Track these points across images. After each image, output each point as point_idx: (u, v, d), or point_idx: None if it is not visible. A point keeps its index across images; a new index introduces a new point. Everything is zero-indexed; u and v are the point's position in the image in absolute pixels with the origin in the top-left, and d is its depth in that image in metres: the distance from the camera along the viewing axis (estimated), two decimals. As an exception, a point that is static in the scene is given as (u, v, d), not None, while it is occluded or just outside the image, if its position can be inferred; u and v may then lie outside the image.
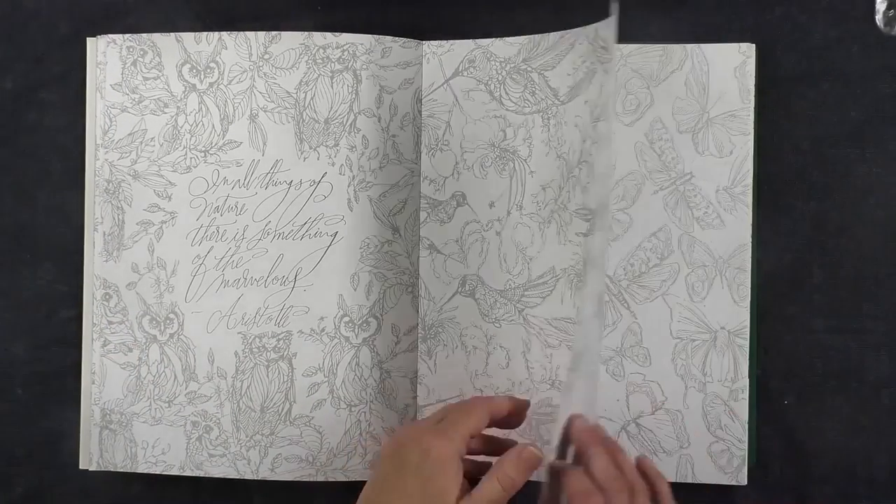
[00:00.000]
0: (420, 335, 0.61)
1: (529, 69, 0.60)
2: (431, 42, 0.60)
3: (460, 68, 0.60)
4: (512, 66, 0.60)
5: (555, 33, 0.59)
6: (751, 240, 0.60)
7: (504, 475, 0.49)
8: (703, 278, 0.60)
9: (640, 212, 0.60)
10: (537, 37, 0.60)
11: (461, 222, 0.60)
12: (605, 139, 0.57)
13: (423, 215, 0.61)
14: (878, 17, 0.61)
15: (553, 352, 0.59)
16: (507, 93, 0.60)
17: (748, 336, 0.59)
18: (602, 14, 0.61)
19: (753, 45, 0.60)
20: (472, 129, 0.60)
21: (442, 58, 0.60)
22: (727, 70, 0.60)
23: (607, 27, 0.55)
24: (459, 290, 0.60)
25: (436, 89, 0.60)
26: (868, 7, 0.61)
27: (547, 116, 0.59)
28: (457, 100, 0.60)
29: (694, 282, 0.60)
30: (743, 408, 0.59)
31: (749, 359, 0.60)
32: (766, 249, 0.61)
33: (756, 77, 0.60)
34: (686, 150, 0.60)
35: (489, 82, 0.60)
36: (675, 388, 0.60)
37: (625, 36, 0.60)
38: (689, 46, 0.60)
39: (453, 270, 0.60)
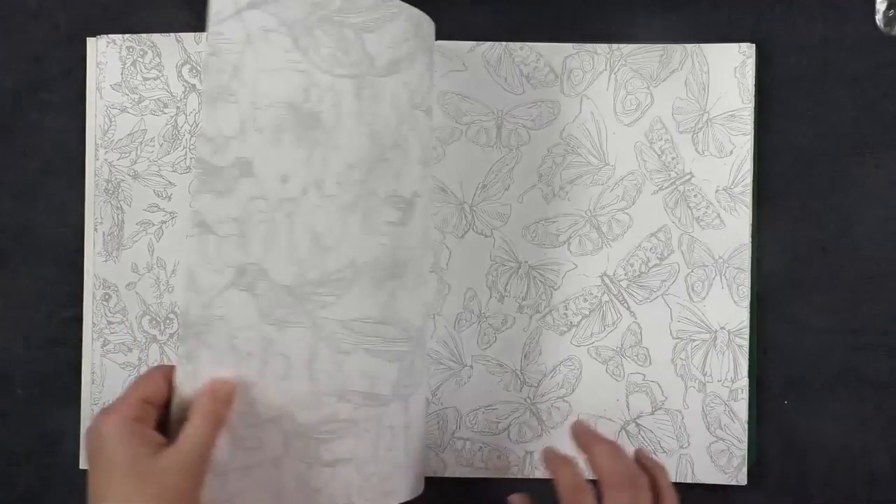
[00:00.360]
0: (181, 334, 0.48)
1: (344, 23, 0.49)
2: None
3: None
4: (324, 13, 0.48)
5: None
6: (751, 240, 0.60)
7: (206, 411, 0.45)
8: (702, 278, 0.60)
9: (639, 212, 0.60)
10: None
11: (244, 197, 0.48)
12: (425, 130, 0.53)
13: (196, 184, 0.47)
14: (878, 17, 0.61)
15: (345, 359, 0.50)
16: (315, 44, 0.48)
17: (748, 336, 0.59)
18: (599, 11, 0.61)
19: (753, 45, 0.60)
20: (267, 80, 0.48)
21: None
22: (727, 70, 0.60)
23: (431, 23, 0.53)
24: (235, 282, 0.48)
25: (225, 20, 0.48)
26: (868, 7, 0.61)
27: (361, 85, 0.49)
28: (250, 39, 0.47)
29: (694, 282, 0.60)
30: (743, 408, 0.59)
31: (749, 359, 0.60)
32: (766, 249, 0.61)
33: (756, 77, 0.60)
34: (686, 150, 0.60)
35: (294, 26, 0.48)
36: (674, 388, 0.60)
37: (625, 36, 0.61)
38: (689, 46, 0.60)
39: (229, 257, 0.48)
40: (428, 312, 0.59)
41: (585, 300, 0.60)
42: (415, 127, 0.52)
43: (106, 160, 0.61)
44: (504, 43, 0.60)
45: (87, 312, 0.61)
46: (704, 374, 0.60)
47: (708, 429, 0.60)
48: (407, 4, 0.51)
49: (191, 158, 0.61)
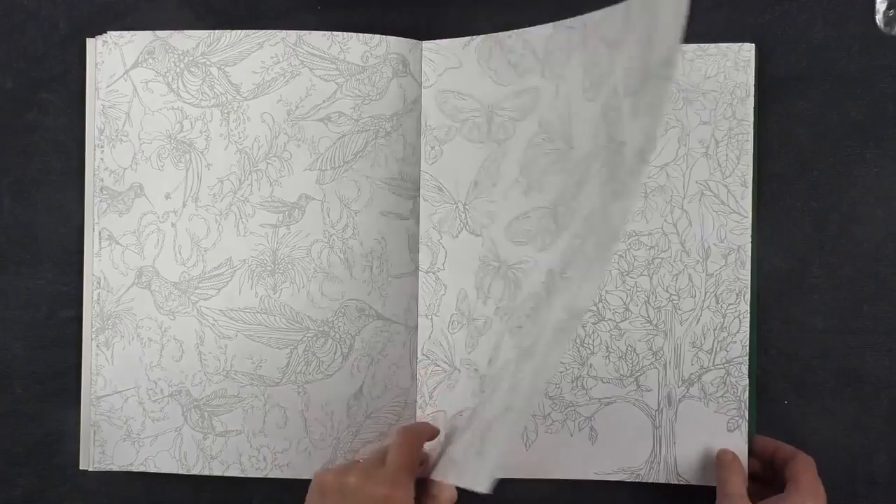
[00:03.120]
0: (97, 326, 0.61)
1: (208, 63, 0.60)
2: (112, 32, 0.61)
3: (140, 59, 0.60)
4: (190, 59, 0.60)
5: (239, 31, 0.60)
6: (751, 240, 0.60)
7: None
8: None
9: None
10: (217, 32, 0.60)
11: (138, 213, 0.60)
12: (320, 137, 0.59)
13: (103, 206, 0.61)
14: (878, 17, 0.61)
15: (228, 343, 0.60)
16: (184, 85, 0.60)
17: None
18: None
19: (753, 45, 0.60)
20: (150, 120, 0.60)
21: (123, 48, 0.60)
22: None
23: (313, 35, 0.59)
24: (136, 281, 0.60)
25: (116, 80, 0.60)
26: (868, 7, 0.61)
27: (227, 111, 0.60)
28: (136, 90, 0.60)
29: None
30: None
31: (749, 358, 0.60)
32: (766, 249, 0.61)
33: (756, 77, 0.60)
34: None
35: (167, 73, 0.60)
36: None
37: (625, 36, 0.61)
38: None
39: (131, 262, 0.60)
40: (359, 308, 0.60)
41: None
42: (300, 137, 0.59)
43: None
44: (494, 34, 0.60)
45: (87, 312, 0.61)
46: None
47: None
48: (276, 30, 0.60)
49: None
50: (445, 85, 0.60)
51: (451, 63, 0.60)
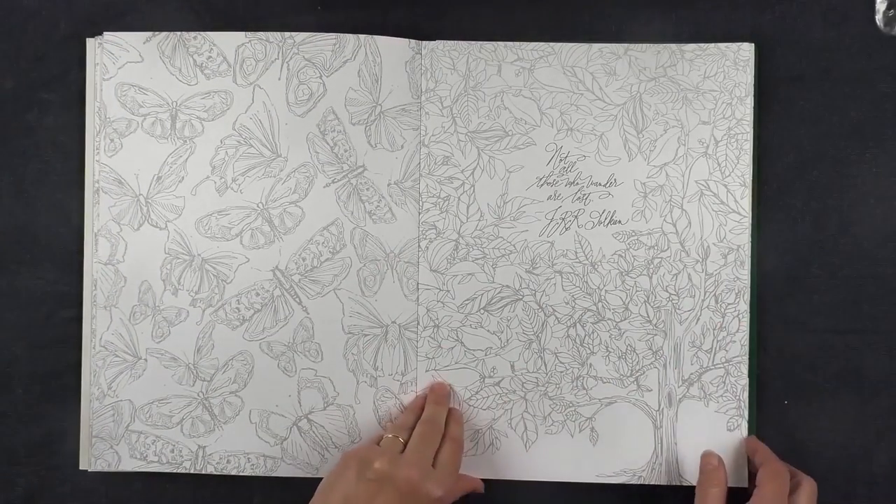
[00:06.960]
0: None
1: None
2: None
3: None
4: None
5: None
6: (750, 239, 0.60)
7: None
8: (374, 272, 0.60)
9: (311, 205, 0.60)
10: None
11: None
12: None
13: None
14: (878, 17, 0.61)
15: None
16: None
17: (417, 330, 0.60)
18: (600, 11, 0.61)
19: (753, 44, 0.60)
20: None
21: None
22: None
23: None
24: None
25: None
26: (868, 7, 0.61)
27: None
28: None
29: (366, 276, 0.60)
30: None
31: (749, 359, 0.60)
32: (766, 249, 0.61)
33: (756, 77, 0.60)
34: (359, 143, 0.60)
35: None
36: (346, 383, 0.60)
37: (625, 35, 0.61)
38: (362, 37, 0.60)
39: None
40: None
41: (258, 294, 0.61)
42: None
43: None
44: (179, 33, 0.60)
45: (87, 312, 0.61)
46: (376, 369, 0.60)
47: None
48: None
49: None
50: (126, 78, 0.61)
51: (132, 57, 0.60)
